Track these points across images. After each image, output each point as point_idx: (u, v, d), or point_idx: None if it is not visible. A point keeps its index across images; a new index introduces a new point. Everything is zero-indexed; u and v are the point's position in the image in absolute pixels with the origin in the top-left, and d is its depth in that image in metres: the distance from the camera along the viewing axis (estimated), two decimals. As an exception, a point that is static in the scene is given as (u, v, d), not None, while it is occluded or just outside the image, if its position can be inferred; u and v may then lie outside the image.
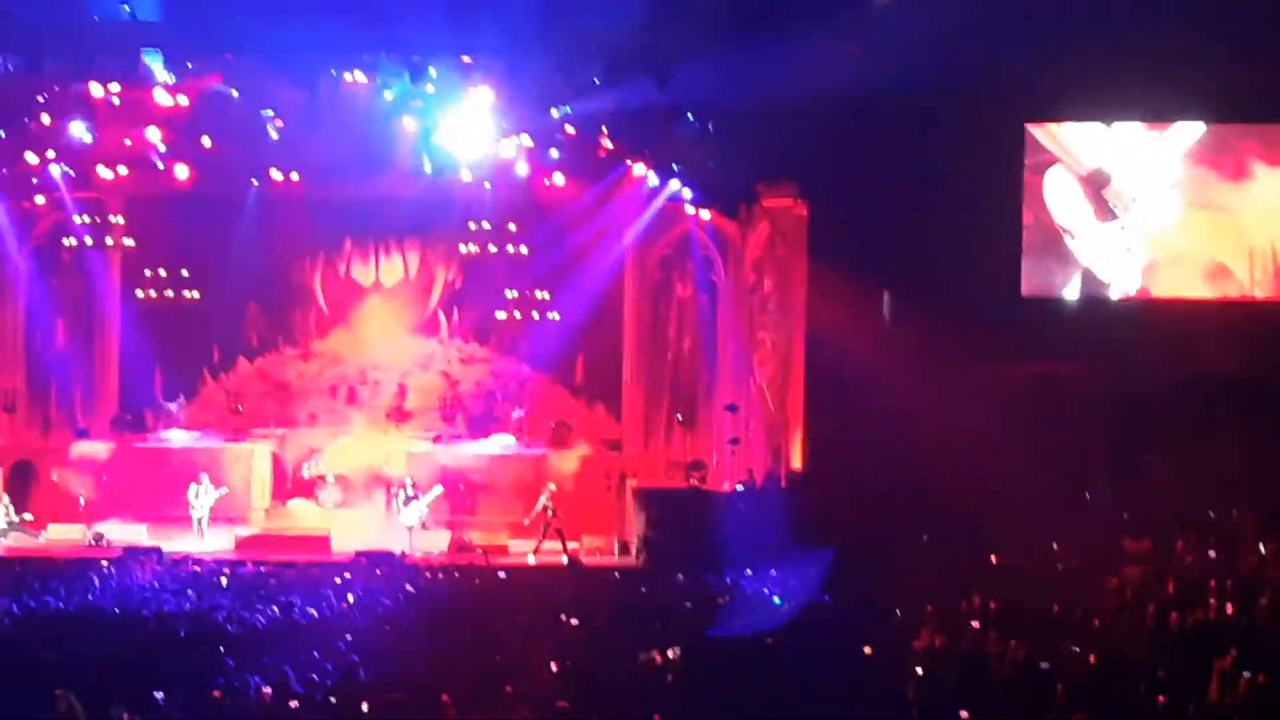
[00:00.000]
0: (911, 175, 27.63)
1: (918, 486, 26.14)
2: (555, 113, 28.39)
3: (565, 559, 27.91)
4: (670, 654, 18.03)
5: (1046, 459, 27.38)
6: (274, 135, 28.73)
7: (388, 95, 28.27)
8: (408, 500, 29.95)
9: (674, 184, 29.72)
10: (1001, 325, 28.63)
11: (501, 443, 31.69)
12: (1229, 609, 20.28)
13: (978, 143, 28.44)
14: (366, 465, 31.43)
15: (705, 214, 30.42)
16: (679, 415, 31.94)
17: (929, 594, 22.02)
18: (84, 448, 31.34)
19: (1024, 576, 23.49)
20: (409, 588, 23.91)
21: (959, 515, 25.64)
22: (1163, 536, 24.98)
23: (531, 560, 28.23)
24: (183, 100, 28.14)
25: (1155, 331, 28.82)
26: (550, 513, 29.12)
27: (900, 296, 29.23)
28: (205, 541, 29.06)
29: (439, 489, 30.09)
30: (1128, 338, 28.75)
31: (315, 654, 18.11)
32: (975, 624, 19.86)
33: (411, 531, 29.31)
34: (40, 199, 31.13)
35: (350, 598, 22.47)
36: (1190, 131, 29.38)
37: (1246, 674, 16.56)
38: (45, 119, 28.27)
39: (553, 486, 29.63)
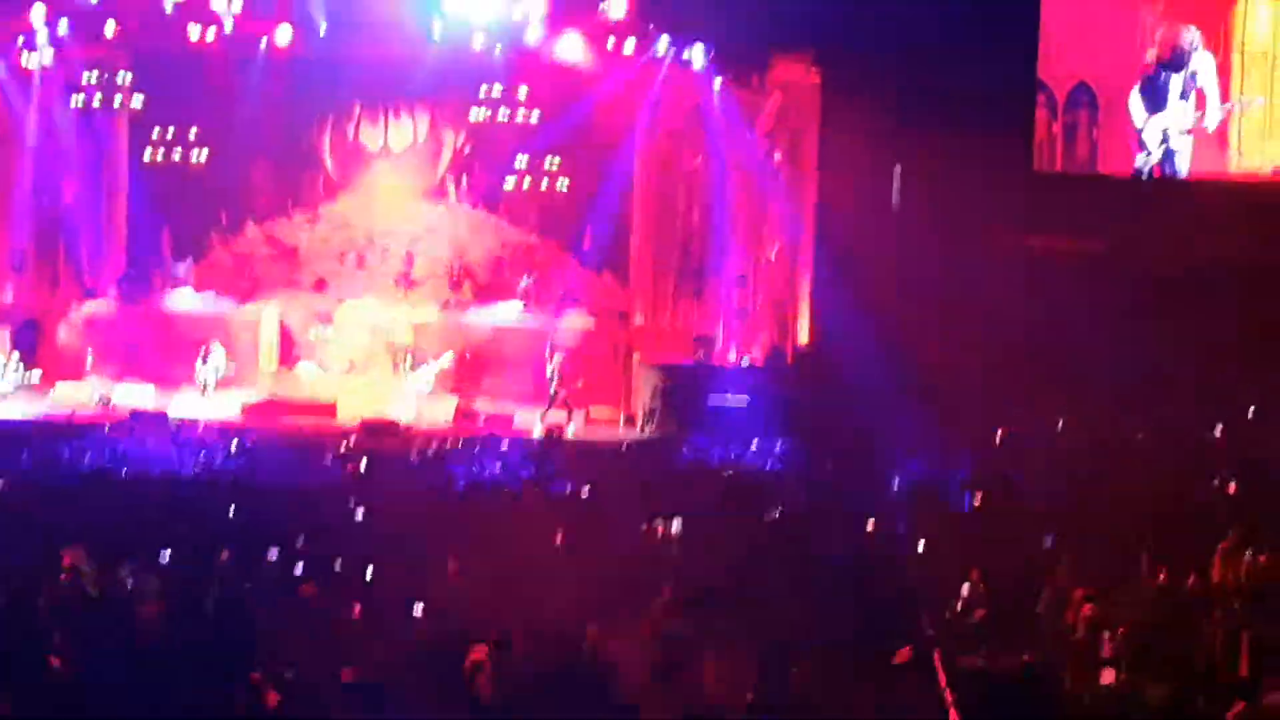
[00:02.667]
0: (925, 46, 27.34)
1: (925, 361, 26.13)
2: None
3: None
4: (674, 526, 18.15)
5: (1054, 334, 27.35)
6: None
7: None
8: (414, 367, 29.98)
9: (686, 52, 29.39)
10: (1011, 199, 28.47)
11: (509, 311, 31.59)
12: (1231, 488, 20.40)
13: (990, 13, 28.11)
14: (374, 331, 31.35)
15: (717, 83, 30.12)
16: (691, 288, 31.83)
17: (934, 469, 22.16)
18: (91, 308, 31.30)
19: (1029, 452, 23.60)
20: (413, 457, 24.02)
21: (966, 390, 25.67)
22: (1168, 416, 25.02)
23: (537, 431, 28.26)
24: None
25: (1165, 210, 28.66)
26: (557, 381, 29.11)
27: (911, 169, 29.00)
28: (212, 405, 29.11)
29: (448, 356, 30.08)
30: (1138, 214, 28.59)
31: (321, 519, 18.25)
32: (978, 498, 20.00)
33: (418, 398, 29.38)
34: (47, 57, 30.81)
35: (364, 463, 22.60)
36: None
37: (1249, 554, 16.69)
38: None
39: (559, 358, 29.60)
